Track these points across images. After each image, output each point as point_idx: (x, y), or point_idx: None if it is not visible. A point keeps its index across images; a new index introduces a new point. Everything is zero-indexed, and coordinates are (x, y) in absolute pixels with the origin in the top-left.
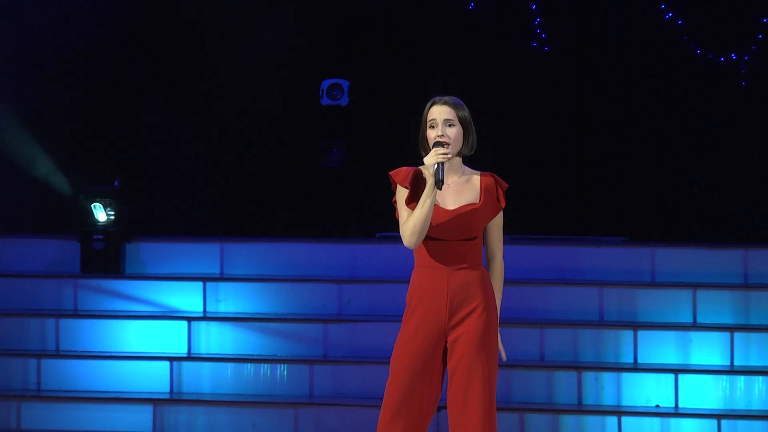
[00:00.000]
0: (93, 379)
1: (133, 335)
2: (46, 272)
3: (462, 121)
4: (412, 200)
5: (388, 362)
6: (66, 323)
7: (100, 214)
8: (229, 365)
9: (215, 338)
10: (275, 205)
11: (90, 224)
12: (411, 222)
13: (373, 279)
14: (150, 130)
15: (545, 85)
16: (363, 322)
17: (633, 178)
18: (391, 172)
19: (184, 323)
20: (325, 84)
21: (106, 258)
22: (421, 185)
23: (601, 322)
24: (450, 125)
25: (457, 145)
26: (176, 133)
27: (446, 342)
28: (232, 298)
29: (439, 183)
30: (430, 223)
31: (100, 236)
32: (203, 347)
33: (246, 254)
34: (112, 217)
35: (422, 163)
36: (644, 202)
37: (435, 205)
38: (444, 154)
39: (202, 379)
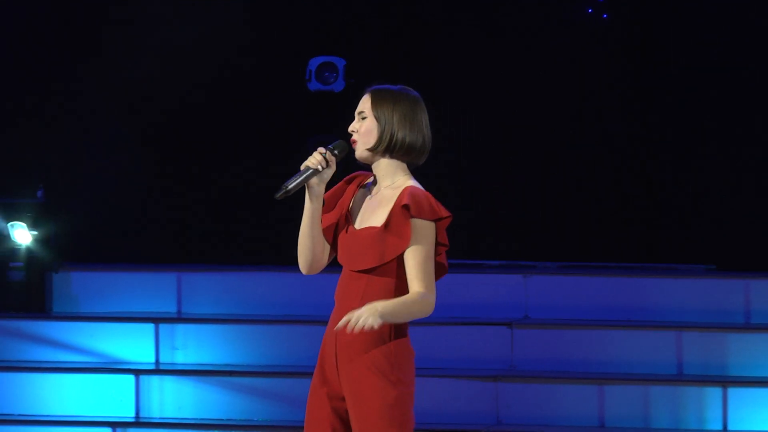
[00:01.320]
0: None
1: (64, 394)
2: None
3: (378, 114)
4: (325, 212)
5: None
6: None
7: (21, 234)
8: None
9: (171, 398)
10: (248, 224)
11: (7, 248)
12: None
13: None
14: (80, 127)
15: (597, 71)
16: None
17: (719, 191)
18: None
19: (131, 378)
20: (314, 63)
21: (27, 292)
22: (339, 195)
23: (680, 377)
24: (363, 117)
25: (367, 141)
26: (115, 130)
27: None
28: (192, 345)
29: (285, 190)
30: (338, 244)
31: (20, 264)
32: (155, 410)
33: (211, 287)
34: (36, 240)
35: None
36: (735, 222)
37: (349, 222)
38: (320, 155)
39: None
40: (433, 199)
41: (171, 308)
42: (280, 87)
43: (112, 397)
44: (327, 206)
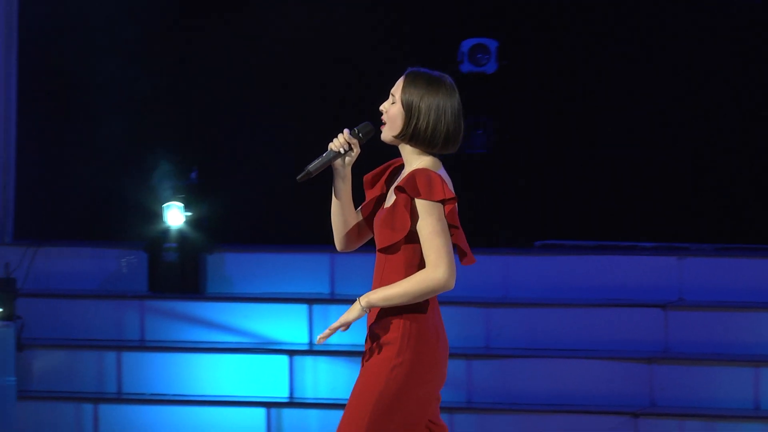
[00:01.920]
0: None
1: (218, 374)
2: (104, 291)
3: (404, 101)
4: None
5: (550, 410)
6: (130, 358)
7: (174, 215)
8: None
9: (325, 378)
10: None
11: (160, 229)
12: None
13: (530, 302)
14: (233, 108)
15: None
16: (517, 357)
17: None
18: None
19: (285, 358)
20: (466, 45)
21: (181, 273)
22: (379, 180)
23: None
24: (392, 102)
25: (393, 127)
26: (268, 108)
27: None
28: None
29: (306, 172)
30: (371, 226)
31: (174, 245)
32: (309, 390)
33: (363, 269)
34: (190, 220)
35: None
36: None
37: (380, 204)
38: (344, 138)
39: (309, 430)
40: (438, 182)
41: (324, 289)
42: (432, 68)
43: (266, 378)
44: (367, 187)
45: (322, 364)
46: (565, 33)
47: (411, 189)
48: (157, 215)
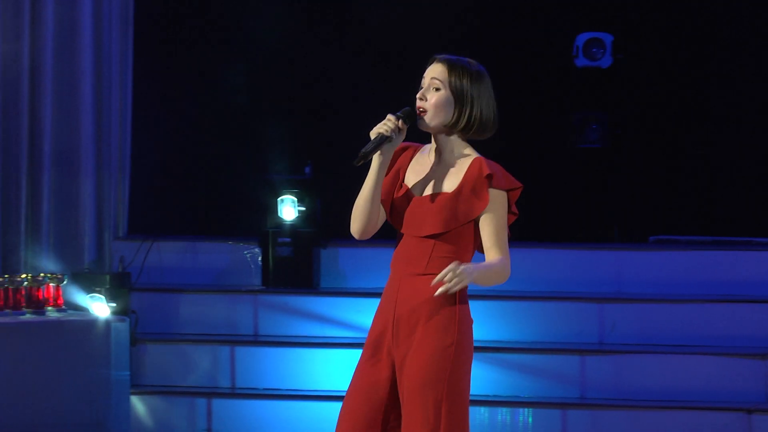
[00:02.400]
0: (279, 427)
1: (331, 369)
2: (217, 286)
3: (455, 88)
4: (389, 184)
5: (663, 407)
6: (243, 352)
7: (288, 210)
8: None
9: None
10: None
11: (274, 224)
12: (355, 204)
13: (644, 297)
14: (346, 102)
15: None
16: (631, 353)
17: None
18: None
19: None
20: (581, 39)
21: (295, 268)
22: (397, 162)
23: None
24: (436, 89)
25: (440, 115)
26: (377, 100)
27: (395, 369)
28: None
29: (363, 155)
30: (398, 211)
31: (288, 239)
32: None
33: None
34: (303, 215)
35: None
36: None
37: (407, 189)
38: (392, 122)
39: None
40: (504, 170)
41: None
42: (547, 62)
43: None
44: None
45: None
46: (680, 26)
47: (495, 178)
48: (271, 210)
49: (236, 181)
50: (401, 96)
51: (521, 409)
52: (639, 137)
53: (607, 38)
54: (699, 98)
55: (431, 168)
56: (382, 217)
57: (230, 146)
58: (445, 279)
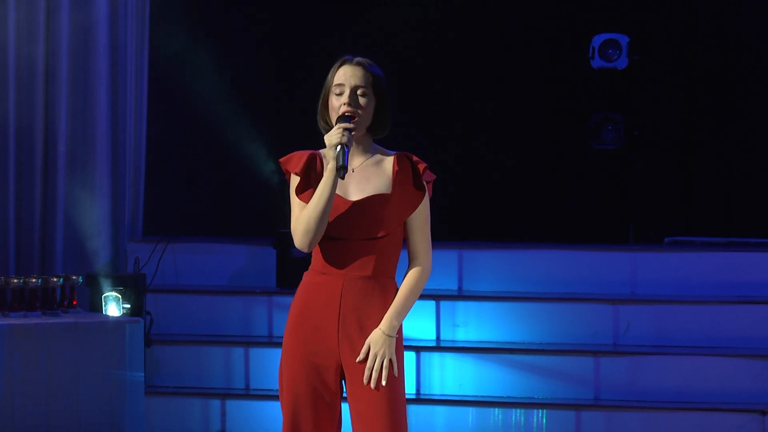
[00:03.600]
0: None
1: None
2: (232, 287)
3: (377, 92)
4: (304, 189)
5: (678, 408)
6: (258, 353)
7: None
8: (471, 410)
9: (452, 375)
10: (528, 201)
11: (289, 225)
12: (305, 217)
13: (659, 298)
14: None
15: None
16: (646, 354)
17: None
18: (281, 159)
19: (412, 354)
20: (597, 40)
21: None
22: (315, 172)
23: None
24: (363, 94)
25: (368, 119)
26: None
27: (341, 369)
28: (473, 323)
29: (341, 170)
30: (330, 217)
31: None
32: (436, 386)
33: (491, 265)
34: None
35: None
36: None
37: (337, 195)
38: (349, 131)
39: (435, 428)
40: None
41: (452, 285)
42: (563, 64)
43: None
44: (305, 184)
45: (449, 360)
46: (696, 26)
47: (427, 174)
48: (286, 211)
49: (251, 182)
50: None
51: (535, 411)
52: (655, 138)
53: (623, 39)
54: (714, 99)
55: (351, 171)
56: None
57: (246, 147)
58: (376, 368)
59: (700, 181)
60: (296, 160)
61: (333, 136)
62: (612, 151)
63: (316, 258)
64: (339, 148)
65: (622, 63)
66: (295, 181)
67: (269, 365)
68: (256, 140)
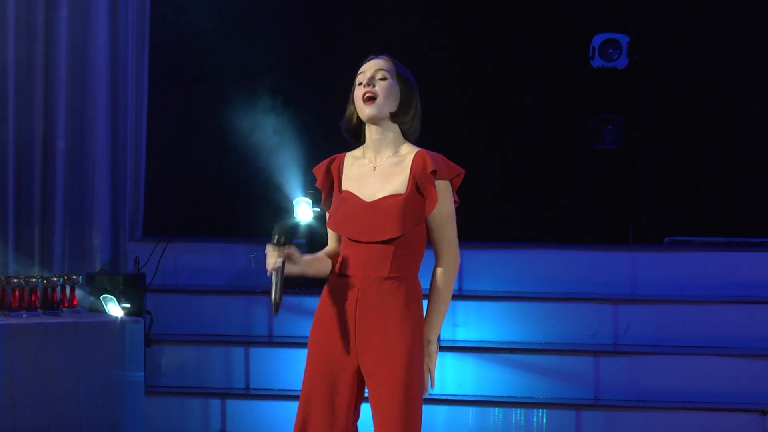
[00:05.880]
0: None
1: None
2: (232, 287)
3: (401, 78)
4: (325, 202)
5: (678, 408)
6: (258, 353)
7: (304, 211)
8: (471, 410)
9: (452, 374)
10: (528, 201)
11: (289, 226)
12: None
13: (659, 298)
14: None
15: None
16: (646, 354)
17: None
18: (315, 168)
19: None
20: (597, 40)
21: None
22: (332, 179)
23: None
24: (383, 77)
25: (389, 102)
26: None
27: (359, 371)
28: (473, 322)
29: (276, 304)
30: (345, 219)
31: (303, 240)
32: (436, 386)
33: (491, 264)
34: (319, 216)
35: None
36: None
37: (352, 195)
38: (279, 254)
39: (435, 427)
40: (446, 159)
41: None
42: (563, 63)
43: None
44: (326, 194)
45: (449, 360)
46: (696, 26)
47: (440, 171)
48: (287, 211)
49: (252, 182)
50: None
51: (535, 410)
52: (655, 138)
53: (623, 39)
54: (714, 99)
55: (371, 169)
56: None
57: (246, 146)
58: (432, 377)
59: (700, 180)
60: (318, 172)
61: (267, 263)
62: (612, 151)
63: (338, 261)
64: (271, 273)
65: (622, 63)
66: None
67: (269, 365)
68: (257, 139)
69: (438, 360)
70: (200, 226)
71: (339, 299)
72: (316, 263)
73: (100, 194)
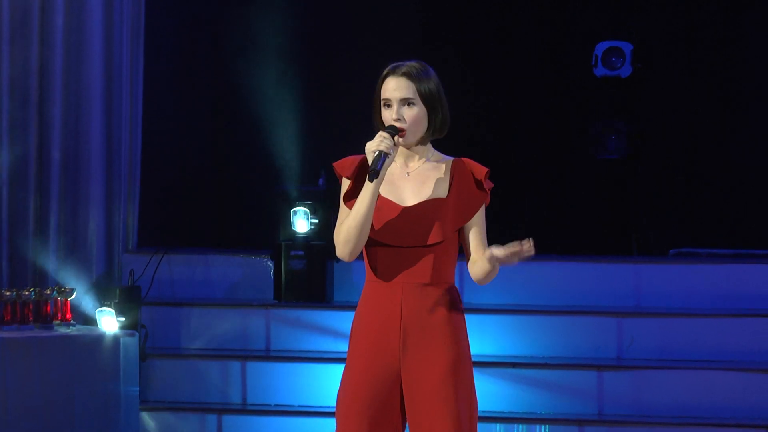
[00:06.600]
0: None
1: None
2: (229, 300)
3: (426, 98)
4: (353, 196)
5: (683, 423)
6: (255, 367)
7: (301, 222)
8: None
9: None
10: (530, 212)
11: (287, 236)
12: (345, 226)
13: (664, 311)
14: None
15: None
16: (650, 369)
17: None
18: (335, 163)
19: None
20: (600, 48)
21: (308, 281)
22: (363, 178)
23: None
24: (409, 104)
25: (419, 129)
26: None
27: (401, 384)
28: (475, 336)
29: (372, 174)
30: (382, 223)
31: (300, 252)
32: None
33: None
34: (316, 227)
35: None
36: None
37: (387, 200)
38: (389, 139)
39: None
40: (479, 164)
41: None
42: (566, 72)
43: None
44: (354, 190)
45: None
46: (700, 34)
47: (487, 181)
48: (284, 222)
49: (248, 193)
50: None
51: (538, 426)
52: (659, 148)
53: (627, 47)
54: (719, 108)
55: (406, 175)
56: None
57: (242, 157)
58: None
59: (706, 191)
60: (349, 163)
61: (372, 142)
62: (615, 160)
63: (372, 267)
64: (376, 153)
65: (625, 71)
66: (345, 185)
67: (267, 379)
68: (253, 149)
69: None
70: (197, 238)
71: (380, 306)
72: (371, 216)
73: (95, 205)
